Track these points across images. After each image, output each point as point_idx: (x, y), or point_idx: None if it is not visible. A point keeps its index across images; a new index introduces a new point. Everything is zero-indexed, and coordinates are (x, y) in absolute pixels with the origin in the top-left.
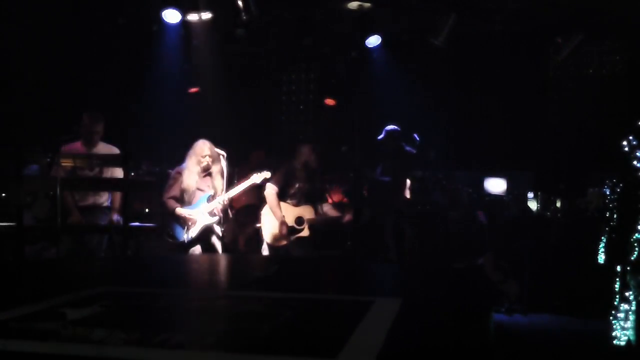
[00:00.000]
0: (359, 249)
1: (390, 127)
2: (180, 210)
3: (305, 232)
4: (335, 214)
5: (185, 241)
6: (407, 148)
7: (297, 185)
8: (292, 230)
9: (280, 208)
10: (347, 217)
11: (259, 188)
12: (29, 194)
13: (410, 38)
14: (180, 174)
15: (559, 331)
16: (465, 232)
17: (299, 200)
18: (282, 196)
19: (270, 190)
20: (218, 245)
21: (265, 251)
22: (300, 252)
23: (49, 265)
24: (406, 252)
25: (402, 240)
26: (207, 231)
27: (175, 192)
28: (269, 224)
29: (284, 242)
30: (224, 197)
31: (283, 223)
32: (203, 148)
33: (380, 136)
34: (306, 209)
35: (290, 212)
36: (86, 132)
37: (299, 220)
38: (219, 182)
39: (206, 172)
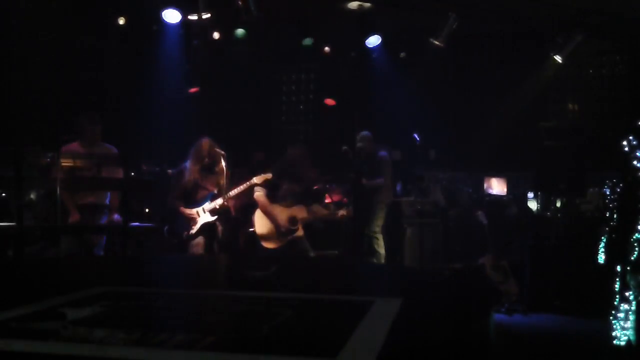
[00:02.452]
0: (355, 246)
1: (364, 132)
2: (183, 210)
3: (299, 232)
4: (325, 212)
5: (184, 237)
6: (381, 153)
7: (285, 187)
8: (286, 232)
9: (272, 209)
10: (341, 213)
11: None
12: (28, 194)
13: (410, 38)
14: (181, 173)
15: (559, 331)
16: (465, 232)
17: (290, 201)
18: (273, 198)
19: (260, 193)
20: (216, 244)
21: (259, 253)
22: (294, 253)
23: (49, 265)
24: (405, 252)
25: (401, 240)
26: (207, 229)
27: (178, 192)
28: (262, 227)
29: (279, 244)
30: (225, 197)
31: (276, 223)
32: (203, 147)
33: (359, 143)
34: (298, 209)
35: (283, 213)
36: (83, 133)
37: (292, 220)
38: (223, 181)
39: (209, 169)
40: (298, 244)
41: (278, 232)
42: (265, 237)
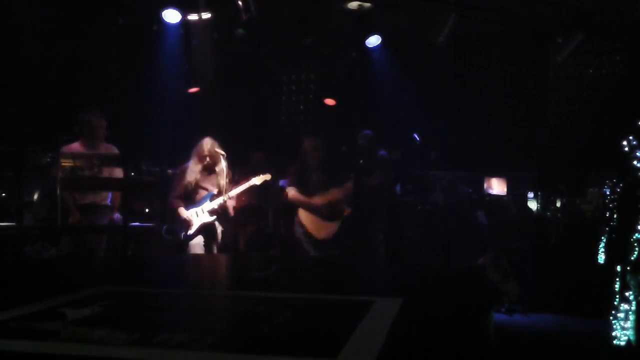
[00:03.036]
0: (355, 246)
1: (366, 131)
2: (181, 211)
3: (347, 212)
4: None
5: (183, 237)
6: (381, 152)
7: (314, 178)
8: (334, 217)
9: (311, 201)
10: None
11: (263, 189)
12: (29, 194)
13: (410, 38)
14: (183, 172)
15: (559, 331)
16: (465, 232)
17: (323, 189)
18: (307, 193)
19: (292, 192)
20: (215, 244)
21: (311, 252)
22: (348, 234)
23: (49, 265)
24: (406, 252)
25: (401, 240)
26: (205, 229)
27: (179, 191)
28: (311, 222)
29: (333, 231)
30: (224, 197)
31: (321, 213)
32: (204, 147)
33: (360, 141)
34: (335, 192)
35: (322, 200)
36: (89, 131)
37: (336, 203)
38: (223, 181)
39: (209, 169)
40: (349, 223)
41: (327, 220)
42: (318, 231)
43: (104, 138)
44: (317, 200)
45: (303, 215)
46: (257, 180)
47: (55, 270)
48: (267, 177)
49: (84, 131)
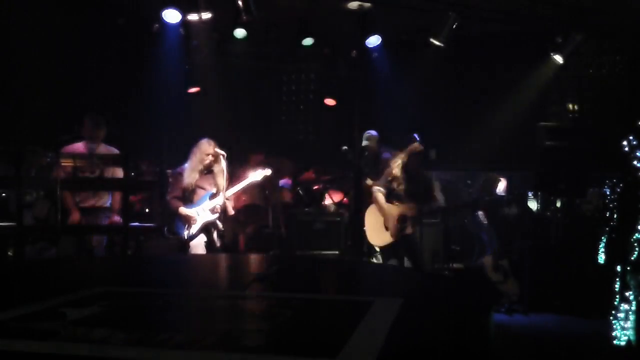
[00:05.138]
0: (355, 246)
1: (371, 131)
2: (182, 209)
3: (408, 230)
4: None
5: (185, 237)
6: (385, 154)
7: (399, 187)
8: (396, 230)
9: (385, 208)
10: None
11: (263, 189)
12: (29, 194)
13: (410, 38)
14: (181, 173)
15: (559, 331)
16: (465, 232)
17: (402, 200)
18: (388, 197)
19: (379, 193)
20: (218, 242)
21: (369, 253)
22: (405, 252)
23: (49, 265)
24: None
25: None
26: (207, 228)
27: (177, 191)
28: (372, 225)
29: (389, 241)
30: (224, 196)
31: (387, 221)
32: (207, 147)
33: (364, 142)
34: (409, 207)
35: (394, 211)
36: (88, 136)
37: (402, 218)
38: (221, 181)
39: (208, 170)
40: (409, 240)
41: (388, 230)
42: (374, 235)
43: (100, 142)
44: (391, 210)
45: (370, 216)
46: (256, 175)
47: (55, 270)
48: (267, 172)
49: (84, 135)
